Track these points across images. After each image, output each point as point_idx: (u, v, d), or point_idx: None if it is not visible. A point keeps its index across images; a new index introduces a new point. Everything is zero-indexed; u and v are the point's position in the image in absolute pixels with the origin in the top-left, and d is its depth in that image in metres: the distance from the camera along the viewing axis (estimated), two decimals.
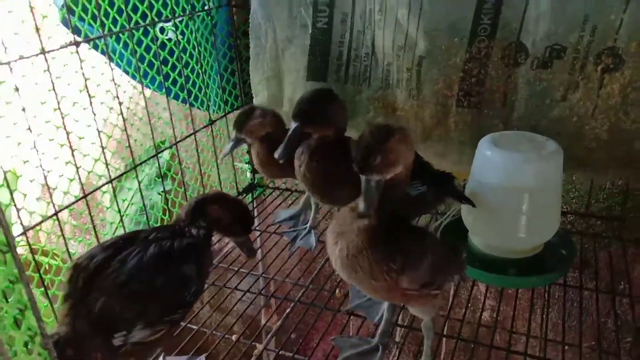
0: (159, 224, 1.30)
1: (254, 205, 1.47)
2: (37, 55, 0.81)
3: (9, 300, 0.49)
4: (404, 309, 1.02)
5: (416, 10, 1.08)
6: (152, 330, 0.71)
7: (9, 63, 0.76)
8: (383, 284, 0.71)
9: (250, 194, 1.50)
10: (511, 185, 0.96)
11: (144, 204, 1.12)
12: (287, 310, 1.06)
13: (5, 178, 0.43)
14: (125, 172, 1.04)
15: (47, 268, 0.97)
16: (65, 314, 0.70)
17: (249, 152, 1.45)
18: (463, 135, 1.16)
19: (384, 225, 0.71)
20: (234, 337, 1.00)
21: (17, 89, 0.80)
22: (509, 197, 0.97)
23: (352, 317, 1.00)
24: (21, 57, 0.78)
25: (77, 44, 0.87)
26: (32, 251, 0.75)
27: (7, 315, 0.49)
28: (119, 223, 1.08)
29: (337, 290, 1.17)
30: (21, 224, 0.84)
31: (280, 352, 0.98)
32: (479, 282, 1.30)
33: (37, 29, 0.80)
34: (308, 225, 1.26)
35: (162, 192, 1.28)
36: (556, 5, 0.99)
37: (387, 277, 0.69)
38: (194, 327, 1.02)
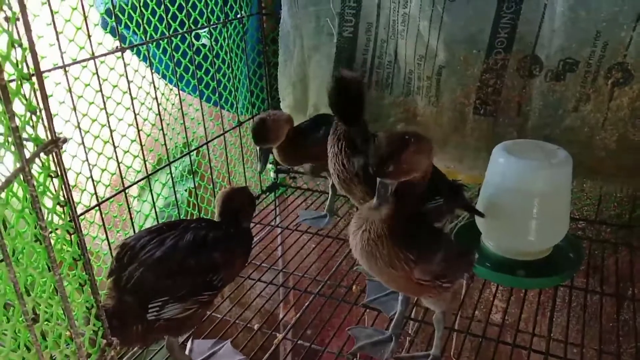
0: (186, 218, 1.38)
1: (277, 204, 1.54)
2: (88, 60, 0.89)
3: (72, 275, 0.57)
4: (417, 305, 1.09)
5: (437, 22, 1.14)
6: (182, 308, 0.78)
7: (64, 67, 0.84)
8: (400, 273, 0.78)
9: (273, 193, 1.57)
10: (523, 191, 1.01)
11: (176, 199, 1.19)
12: (307, 303, 1.13)
13: (63, 169, 0.49)
14: (160, 168, 1.12)
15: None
16: (112, 288, 0.78)
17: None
18: (479, 141, 1.22)
19: (403, 218, 0.77)
20: (255, 327, 1.07)
21: (69, 90, 0.88)
22: (520, 201, 1.02)
23: (367, 310, 1.07)
24: (75, 62, 0.87)
25: (122, 49, 0.95)
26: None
27: (70, 288, 0.57)
28: (150, 213, 1.16)
29: (354, 287, 1.23)
30: (73, 217, 0.92)
31: (298, 342, 1.04)
32: (490, 284, 1.36)
33: (89, 36, 0.88)
34: (326, 209, 1.35)
35: (190, 187, 1.36)
36: (569, 22, 1.05)
37: (405, 265, 0.76)
38: (218, 316, 1.09)
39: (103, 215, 1.01)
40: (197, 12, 1.17)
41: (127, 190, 1.04)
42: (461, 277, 0.90)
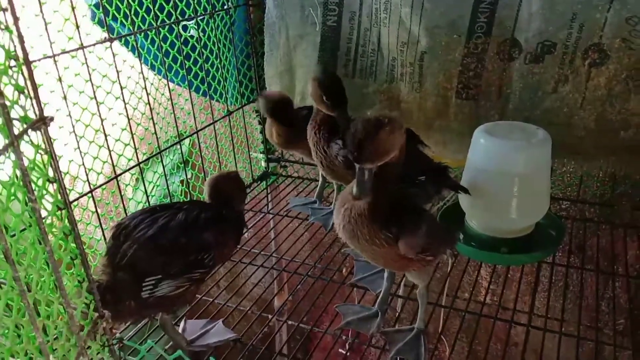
0: None
1: (268, 192, 1.57)
2: (76, 50, 0.92)
3: (63, 250, 0.60)
4: (404, 285, 1.12)
5: (418, 9, 1.17)
6: (174, 286, 0.82)
7: (53, 57, 0.87)
8: (383, 249, 0.81)
9: (264, 182, 1.60)
10: (503, 171, 1.04)
11: (167, 187, 1.22)
12: (297, 285, 1.16)
13: (51, 146, 0.52)
14: (152, 156, 1.15)
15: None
16: (106, 264, 0.81)
17: (262, 132, 1.56)
18: (462, 125, 1.25)
19: (384, 197, 0.80)
20: (246, 309, 1.10)
21: (59, 80, 0.91)
22: (502, 181, 1.05)
23: (355, 289, 1.10)
24: (64, 52, 0.89)
25: (111, 40, 0.98)
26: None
27: (62, 261, 0.60)
28: (145, 203, 1.19)
29: (343, 268, 1.26)
30: (62, 194, 0.95)
31: (288, 322, 1.07)
32: (474, 263, 1.39)
33: (77, 27, 0.91)
34: (315, 195, 1.40)
35: (184, 178, 1.39)
36: (546, 5, 1.08)
37: (385, 242, 0.79)
38: (209, 299, 1.12)
39: (96, 203, 1.04)
40: (184, 3, 1.19)
41: (119, 178, 1.07)
42: (444, 252, 0.93)
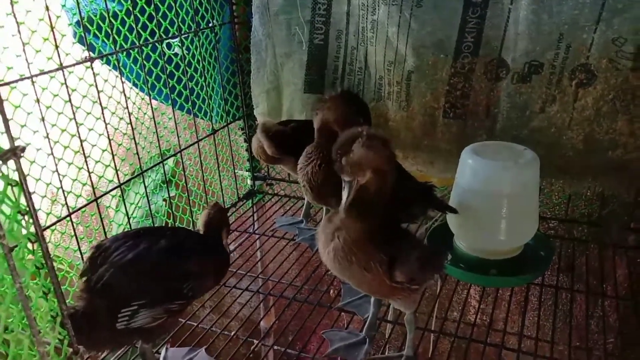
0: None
1: (254, 210, 1.54)
2: (56, 70, 0.89)
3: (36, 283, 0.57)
4: (392, 308, 1.10)
5: (405, 28, 1.16)
6: (151, 316, 0.78)
7: (31, 77, 0.85)
8: (372, 276, 0.78)
9: (250, 200, 1.58)
10: (491, 191, 1.03)
11: (149, 208, 1.19)
12: (284, 308, 1.13)
13: (23, 178, 0.50)
14: (133, 177, 1.12)
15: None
16: (83, 289, 0.78)
17: (248, 149, 1.54)
18: (449, 144, 1.24)
19: (374, 224, 0.78)
20: (232, 333, 1.08)
21: (37, 101, 0.88)
22: (490, 202, 1.04)
23: (343, 313, 1.08)
24: (42, 72, 0.87)
25: (91, 59, 0.95)
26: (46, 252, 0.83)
27: (34, 296, 0.57)
28: (126, 225, 1.16)
29: (330, 290, 1.24)
30: (35, 226, 0.92)
31: (274, 347, 1.05)
32: (463, 285, 1.37)
33: (57, 47, 0.88)
34: (302, 215, 1.37)
35: (167, 197, 1.36)
36: (533, 26, 1.07)
37: (380, 267, 0.77)
38: (194, 323, 1.09)
39: (75, 227, 1.00)
40: (167, 21, 1.17)
41: (99, 200, 1.04)
42: (431, 279, 0.91)
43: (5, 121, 0.49)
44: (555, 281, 1.15)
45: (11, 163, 0.51)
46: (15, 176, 0.52)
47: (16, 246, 0.54)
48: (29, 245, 0.55)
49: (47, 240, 1.14)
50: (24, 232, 0.55)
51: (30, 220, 0.54)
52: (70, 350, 0.60)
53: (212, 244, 0.91)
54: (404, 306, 0.87)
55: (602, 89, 1.07)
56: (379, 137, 0.77)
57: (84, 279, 0.80)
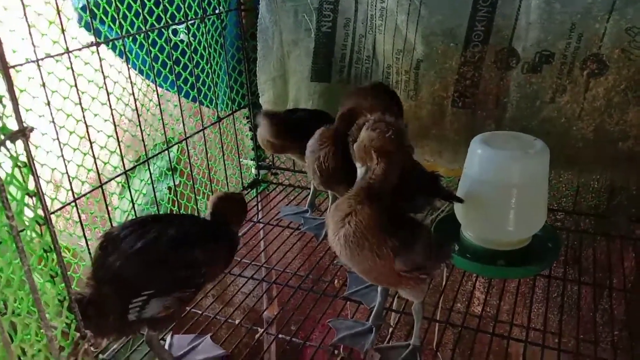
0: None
1: (258, 200, 1.53)
2: (62, 54, 0.88)
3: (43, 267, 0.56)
4: (398, 298, 1.09)
5: (414, 16, 1.15)
6: (162, 305, 0.78)
7: (37, 61, 0.83)
8: (382, 263, 0.78)
9: (254, 189, 1.57)
10: (500, 182, 1.02)
11: (154, 195, 1.19)
12: (288, 297, 1.13)
13: (31, 159, 0.49)
14: (138, 164, 1.11)
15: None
16: (90, 277, 0.77)
17: (253, 138, 1.53)
18: (458, 134, 1.23)
19: (384, 210, 0.78)
20: (236, 322, 1.07)
21: (43, 85, 0.87)
22: (498, 192, 1.03)
23: (348, 303, 1.07)
24: (48, 56, 0.86)
25: (97, 44, 0.94)
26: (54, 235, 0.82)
27: (41, 280, 0.56)
28: (130, 212, 1.15)
29: (335, 280, 1.24)
30: (43, 208, 0.91)
31: (279, 336, 1.04)
32: (470, 276, 1.37)
33: (63, 30, 0.87)
34: (307, 204, 1.36)
35: (172, 185, 1.35)
36: (545, 15, 1.06)
37: (391, 252, 0.76)
38: (198, 312, 1.08)
39: (81, 213, 1.00)
40: (174, 7, 1.16)
41: (104, 187, 1.03)
42: (438, 268, 0.90)
43: (15, 102, 0.48)
44: (563, 273, 1.14)
45: (19, 146, 0.50)
46: (22, 158, 0.51)
47: (24, 229, 0.53)
48: (37, 228, 0.54)
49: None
50: (31, 214, 0.54)
51: (38, 203, 0.53)
52: (78, 334, 0.60)
53: (219, 229, 0.90)
54: (412, 295, 0.87)
55: (613, 80, 1.06)
56: (385, 121, 0.77)
57: (92, 266, 0.79)
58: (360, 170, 0.79)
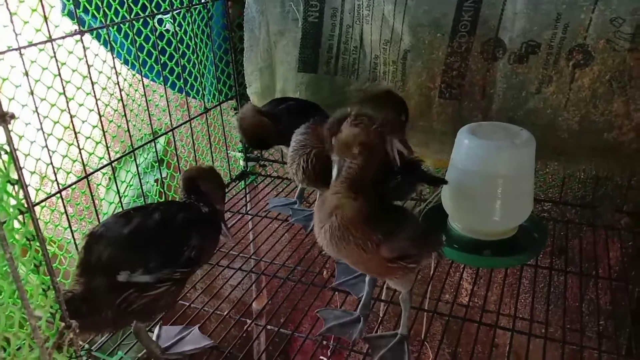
0: None
1: (247, 192, 1.53)
2: (44, 42, 0.87)
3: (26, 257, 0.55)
4: (386, 288, 1.09)
5: (401, 6, 1.15)
6: (153, 279, 0.77)
7: (19, 49, 0.82)
8: (369, 254, 0.78)
9: (242, 181, 1.56)
10: (487, 172, 1.02)
11: (141, 187, 1.18)
12: (277, 289, 1.13)
13: (12, 146, 0.48)
14: (124, 155, 1.10)
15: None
16: (80, 274, 0.76)
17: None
18: (445, 125, 1.23)
19: (368, 203, 0.78)
20: (224, 313, 1.07)
21: (26, 74, 0.86)
22: (485, 182, 1.03)
23: (336, 293, 1.07)
24: (30, 44, 0.84)
25: (81, 33, 0.93)
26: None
27: (25, 270, 0.55)
28: (117, 204, 1.14)
29: (324, 271, 1.23)
30: (25, 197, 0.90)
31: (268, 327, 1.04)
32: (457, 266, 1.37)
33: (46, 18, 0.86)
34: (295, 196, 1.37)
35: (158, 177, 1.34)
36: (531, 5, 1.06)
37: (375, 245, 0.76)
38: (185, 303, 1.08)
39: (67, 204, 0.99)
40: None
41: (90, 178, 1.02)
42: (428, 257, 0.90)
43: None
44: (549, 263, 1.15)
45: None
46: (3, 146, 0.50)
47: (6, 220, 0.52)
48: (20, 217, 0.53)
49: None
50: (14, 202, 0.53)
51: (20, 191, 0.52)
52: (62, 324, 0.59)
53: (204, 210, 0.90)
54: (400, 285, 0.87)
55: (599, 70, 1.07)
56: (367, 115, 0.77)
57: (81, 263, 0.78)
58: (337, 163, 0.78)
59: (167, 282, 0.79)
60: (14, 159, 0.50)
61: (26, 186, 0.52)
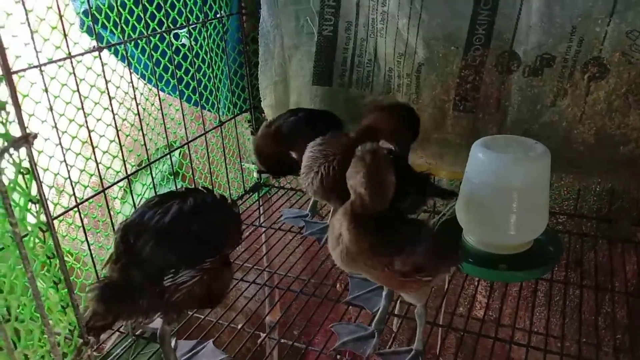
0: None
1: (260, 203, 1.54)
2: (64, 59, 0.89)
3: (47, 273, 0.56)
4: (400, 302, 1.09)
5: (415, 20, 1.15)
6: (191, 276, 0.78)
7: (40, 66, 0.84)
8: (380, 273, 0.78)
9: (256, 193, 1.57)
10: (501, 185, 1.02)
11: None
12: (290, 302, 1.13)
13: (34, 166, 0.49)
14: (140, 168, 1.12)
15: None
16: (115, 262, 0.77)
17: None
18: (459, 138, 1.23)
19: (371, 232, 0.77)
20: (238, 326, 1.07)
21: (45, 90, 0.88)
22: (500, 196, 1.03)
23: (350, 307, 1.07)
24: (50, 61, 0.86)
25: (99, 49, 0.94)
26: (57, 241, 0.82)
27: (44, 286, 0.56)
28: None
29: (337, 284, 1.24)
30: (46, 215, 0.91)
31: (282, 340, 1.04)
32: (472, 280, 1.37)
33: (65, 35, 0.87)
34: (309, 208, 1.37)
35: (174, 189, 1.35)
36: (545, 18, 1.06)
37: (387, 268, 0.76)
38: (200, 316, 1.08)
39: (83, 217, 1.00)
40: (175, 11, 1.16)
41: (106, 192, 1.03)
42: (445, 272, 0.90)
43: (17, 108, 0.49)
44: (564, 277, 1.14)
45: (21, 152, 0.50)
46: (25, 164, 0.51)
47: (27, 235, 0.53)
48: (40, 234, 0.54)
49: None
50: (34, 221, 0.54)
51: (41, 209, 0.53)
52: (81, 341, 0.60)
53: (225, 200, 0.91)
54: (414, 299, 0.87)
55: (614, 83, 1.06)
56: (365, 159, 0.75)
57: (119, 256, 0.78)
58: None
59: (198, 273, 0.79)
60: (35, 178, 0.51)
61: (47, 204, 0.53)
